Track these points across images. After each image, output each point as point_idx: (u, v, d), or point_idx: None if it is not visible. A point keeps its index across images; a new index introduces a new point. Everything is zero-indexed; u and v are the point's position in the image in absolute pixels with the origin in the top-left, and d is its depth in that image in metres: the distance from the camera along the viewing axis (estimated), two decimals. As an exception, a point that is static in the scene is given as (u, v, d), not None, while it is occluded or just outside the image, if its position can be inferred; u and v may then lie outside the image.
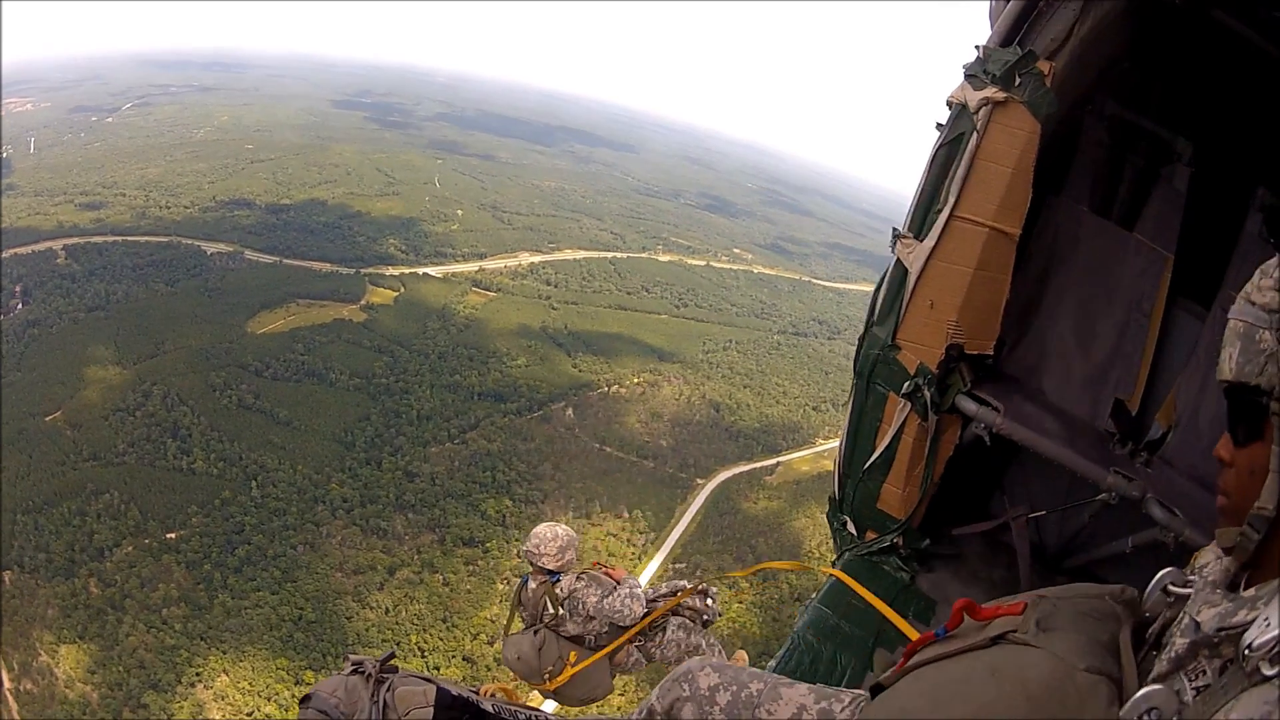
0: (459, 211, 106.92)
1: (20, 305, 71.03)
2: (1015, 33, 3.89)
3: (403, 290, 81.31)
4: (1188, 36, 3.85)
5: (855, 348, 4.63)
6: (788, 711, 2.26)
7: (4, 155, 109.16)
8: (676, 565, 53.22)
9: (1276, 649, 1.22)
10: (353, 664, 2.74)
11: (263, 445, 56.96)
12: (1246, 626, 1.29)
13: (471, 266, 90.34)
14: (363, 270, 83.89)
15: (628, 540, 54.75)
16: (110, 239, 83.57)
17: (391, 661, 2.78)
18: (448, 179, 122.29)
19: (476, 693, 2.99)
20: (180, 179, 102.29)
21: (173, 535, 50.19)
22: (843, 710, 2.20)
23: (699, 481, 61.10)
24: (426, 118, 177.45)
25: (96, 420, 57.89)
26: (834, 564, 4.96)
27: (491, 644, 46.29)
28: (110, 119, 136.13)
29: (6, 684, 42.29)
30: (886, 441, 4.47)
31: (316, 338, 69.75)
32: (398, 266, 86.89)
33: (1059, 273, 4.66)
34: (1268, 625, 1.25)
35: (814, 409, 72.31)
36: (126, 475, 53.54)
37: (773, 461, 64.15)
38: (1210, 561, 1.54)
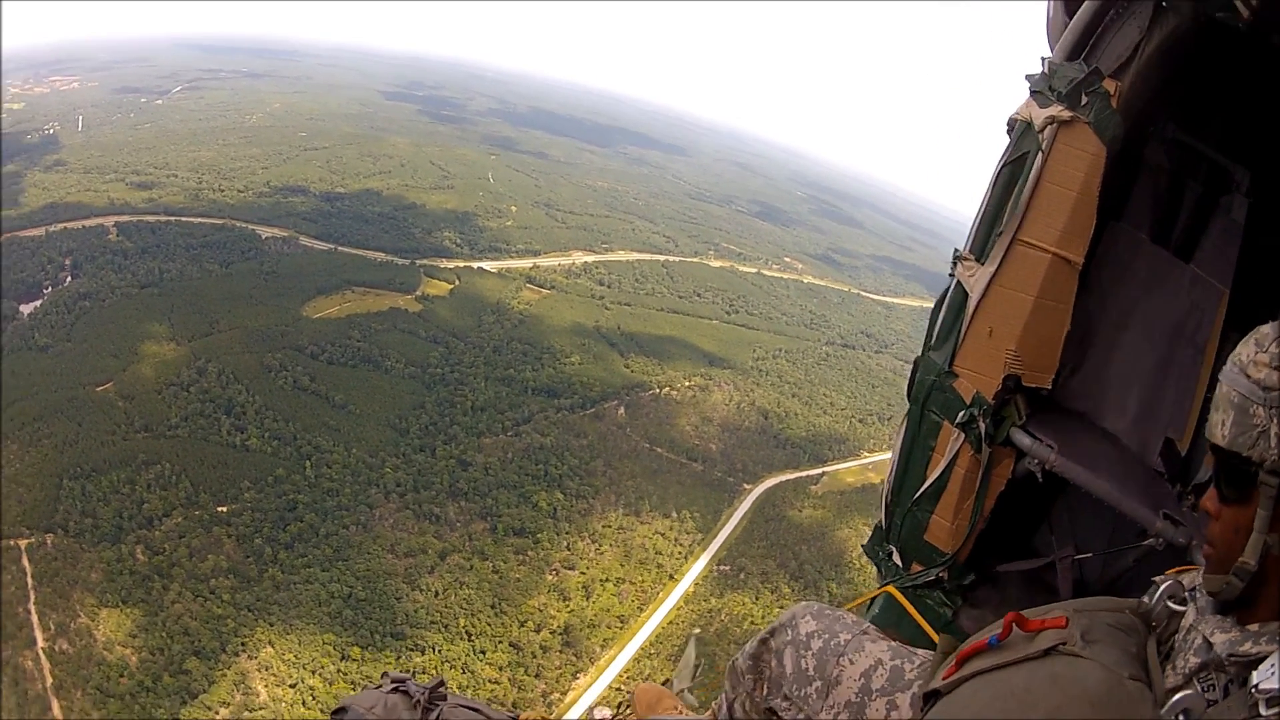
0: (513, 208, 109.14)
1: (70, 279, 73.43)
2: (1081, 48, 3.89)
3: (458, 283, 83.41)
4: (1248, 62, 3.71)
5: (910, 371, 4.63)
6: (865, 663, 2.58)
7: (51, 131, 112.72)
8: (721, 567, 54.83)
9: (1278, 696, 1.44)
10: (393, 682, 2.81)
11: (318, 426, 58.59)
12: (1254, 661, 1.53)
13: (526, 263, 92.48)
14: (418, 261, 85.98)
15: (675, 540, 56.21)
16: (163, 218, 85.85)
17: (440, 689, 2.80)
18: (501, 175, 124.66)
19: (515, 717, 3.01)
20: (234, 163, 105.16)
21: (224, 509, 51.55)
22: (912, 670, 2.52)
23: (746, 486, 62.49)
24: (479, 113, 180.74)
25: (149, 393, 59.48)
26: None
27: (538, 631, 47.86)
28: (160, 101, 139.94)
29: (40, 643, 43.27)
30: (938, 472, 4.42)
31: (372, 325, 71.65)
32: (453, 260, 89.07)
33: (1116, 304, 4.54)
34: (1273, 674, 1.46)
35: (860, 421, 73.45)
36: (179, 448, 54.91)
37: (818, 471, 65.45)
38: (1200, 584, 1.77)
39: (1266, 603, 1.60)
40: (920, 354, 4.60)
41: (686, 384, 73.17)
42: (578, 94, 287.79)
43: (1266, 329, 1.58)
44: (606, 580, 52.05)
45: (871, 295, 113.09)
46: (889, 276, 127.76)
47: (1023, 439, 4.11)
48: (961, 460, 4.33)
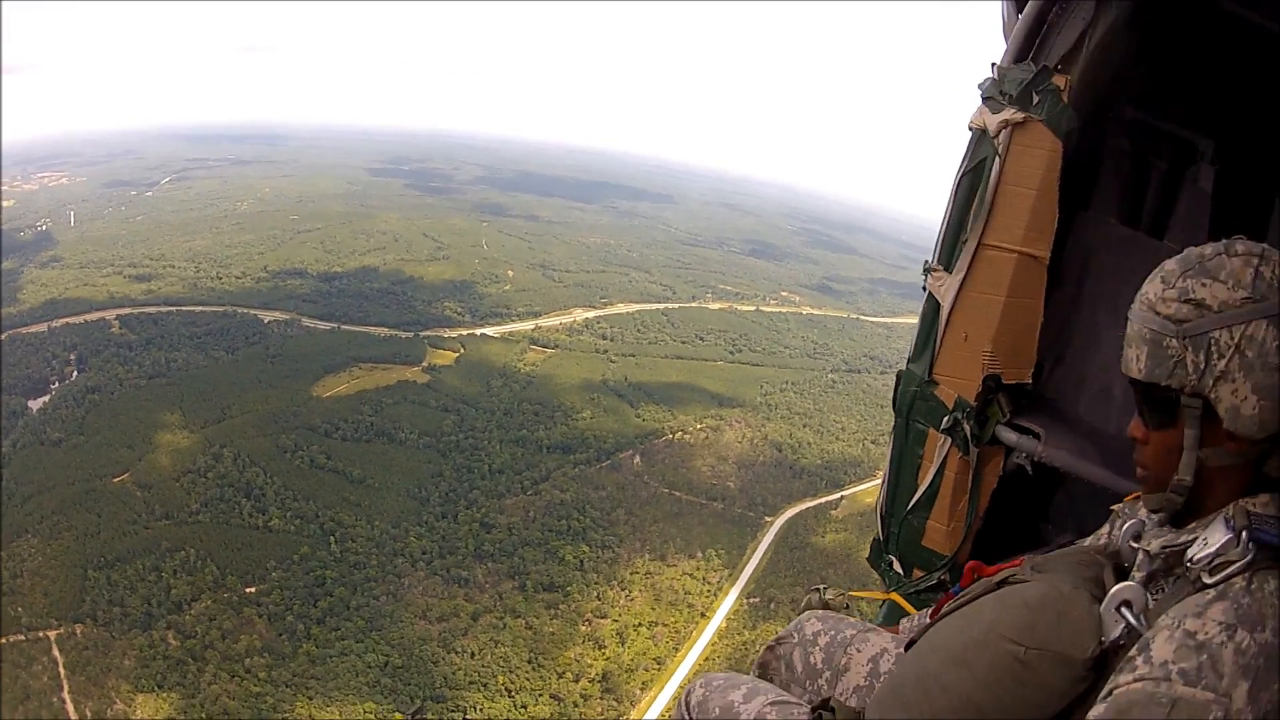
0: (510, 272, 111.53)
1: (76, 373, 74.97)
2: (1028, 48, 3.96)
3: (463, 351, 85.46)
4: (1201, 30, 3.77)
5: (894, 385, 4.69)
6: (873, 650, 2.72)
7: (43, 228, 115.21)
8: (751, 600, 56.02)
9: (1215, 561, 1.69)
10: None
11: (338, 503, 59.90)
12: (1189, 545, 1.79)
13: (528, 325, 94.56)
14: (421, 333, 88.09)
15: (703, 579, 57.49)
16: (164, 309, 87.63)
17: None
18: (495, 241, 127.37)
19: None
20: (229, 250, 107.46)
21: (252, 589, 52.58)
22: None
23: (767, 519, 63.86)
24: (466, 182, 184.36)
25: (167, 482, 60.64)
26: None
27: (577, 681, 48.95)
28: (150, 193, 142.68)
29: None
30: (929, 479, 4.49)
31: (383, 399, 73.31)
32: (455, 328, 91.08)
33: (1092, 290, 4.57)
34: (1205, 543, 1.74)
35: (872, 442, 74.64)
36: (201, 533, 55.97)
37: (837, 495, 66.77)
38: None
39: (1203, 511, 1.83)
40: (903, 368, 4.68)
41: (698, 426, 74.65)
42: (561, 153, 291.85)
43: (1170, 265, 1.81)
44: (639, 625, 53.17)
45: (871, 318, 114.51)
46: (886, 297, 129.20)
47: (1008, 435, 4.19)
48: (951, 464, 4.42)
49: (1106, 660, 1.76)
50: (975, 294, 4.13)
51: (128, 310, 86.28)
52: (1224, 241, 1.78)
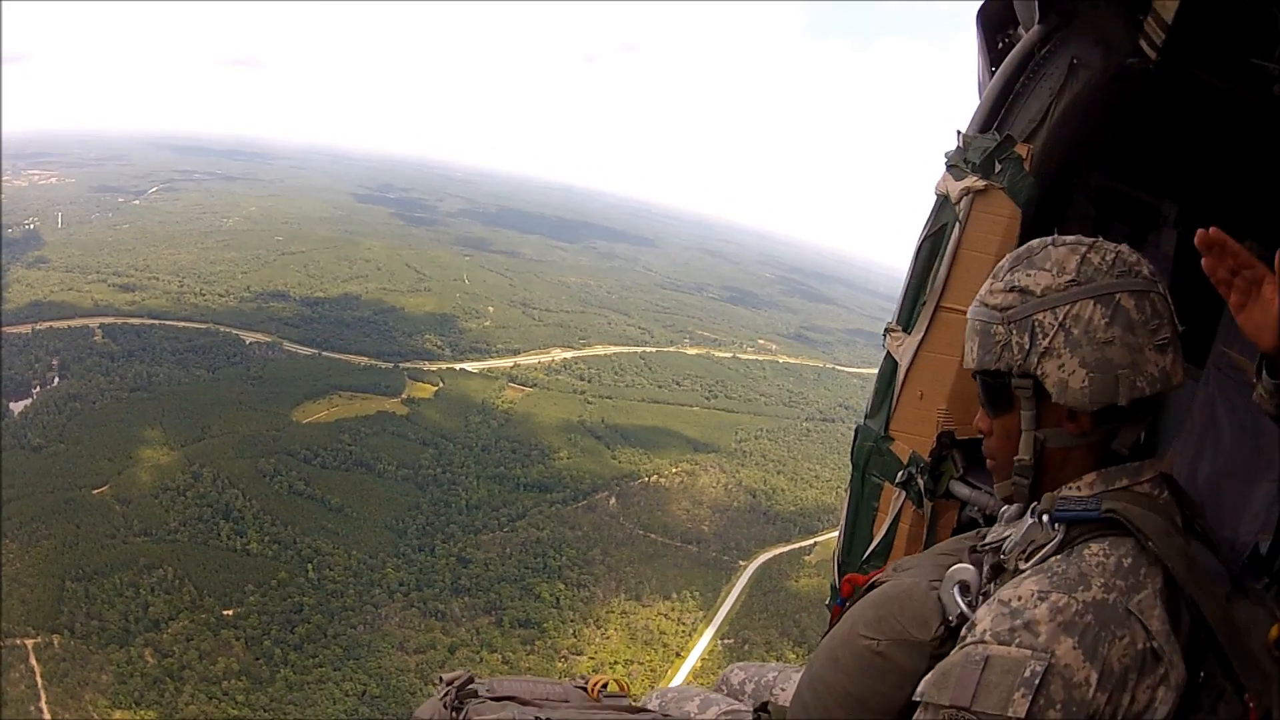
0: (490, 308, 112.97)
1: (58, 379, 75.65)
2: (993, 117, 4.03)
3: (442, 385, 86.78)
4: (1167, 97, 3.76)
5: (852, 439, 4.84)
6: (794, 687, 2.62)
7: (31, 227, 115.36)
8: (725, 641, 57.52)
9: (1027, 549, 1.85)
10: (445, 684, 2.90)
11: (316, 530, 60.92)
12: (1005, 539, 1.97)
13: (507, 362, 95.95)
14: (401, 364, 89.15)
15: (678, 619, 59.01)
16: (147, 321, 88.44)
17: (469, 686, 2.87)
18: (476, 275, 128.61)
19: (585, 687, 3.08)
20: (214, 267, 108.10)
21: (229, 612, 53.20)
22: None
23: (741, 563, 65.47)
24: (450, 214, 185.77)
25: (146, 498, 61.19)
26: None
27: None
28: (137, 201, 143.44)
29: None
30: (883, 531, 4.56)
31: (362, 429, 74.40)
32: (435, 362, 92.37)
33: None
34: (1009, 537, 1.94)
35: (846, 490, 75.73)
36: (180, 552, 56.59)
37: (810, 541, 68.04)
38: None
39: (1048, 491, 1.95)
40: (860, 423, 4.85)
41: (674, 470, 76.29)
42: (543, 190, 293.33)
43: (1003, 262, 1.97)
44: (615, 662, 54.02)
45: (847, 369, 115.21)
46: (863, 348, 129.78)
47: (962, 489, 4.17)
48: (905, 516, 4.47)
49: (956, 638, 1.85)
50: (932, 354, 4.26)
51: (111, 319, 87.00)
52: (1054, 236, 1.96)
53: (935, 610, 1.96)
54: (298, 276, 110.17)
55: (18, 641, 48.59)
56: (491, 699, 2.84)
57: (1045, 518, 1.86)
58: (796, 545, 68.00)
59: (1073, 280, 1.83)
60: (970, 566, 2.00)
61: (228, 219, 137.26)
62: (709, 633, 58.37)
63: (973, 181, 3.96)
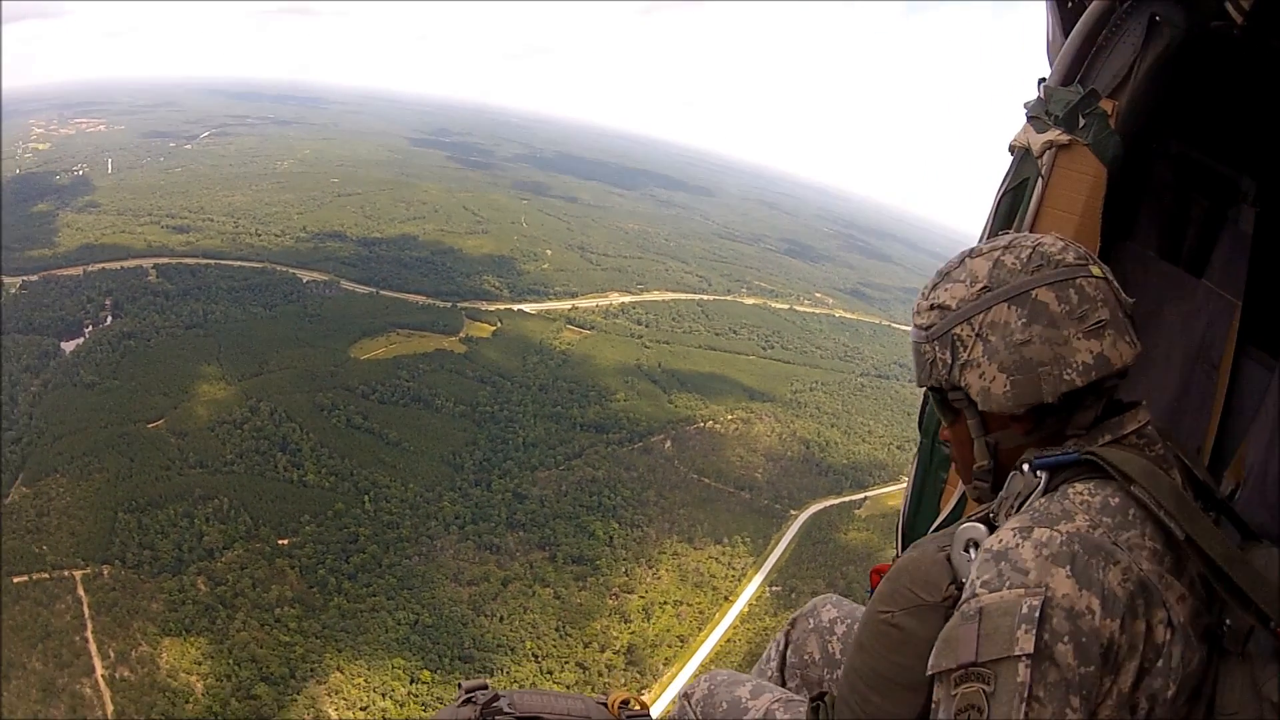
0: (548, 251, 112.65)
1: (110, 318, 76.09)
2: (1076, 70, 3.90)
3: (500, 325, 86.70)
4: (1251, 67, 3.60)
5: (921, 403, 4.51)
6: None
7: (80, 173, 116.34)
8: (773, 588, 57.27)
9: (1015, 502, 1.89)
10: (465, 693, 2.90)
11: (374, 463, 61.10)
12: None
13: (565, 304, 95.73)
14: (459, 304, 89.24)
15: (728, 564, 58.72)
16: (202, 261, 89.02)
17: (495, 704, 2.89)
18: (534, 219, 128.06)
19: (605, 703, 3.08)
20: (268, 208, 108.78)
21: (285, 541, 53.56)
22: None
23: (793, 512, 64.98)
24: (507, 159, 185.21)
25: (202, 431, 61.75)
26: None
27: (602, 651, 50.46)
28: (189, 146, 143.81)
29: (100, 670, 44.37)
30: (951, 505, 4.34)
31: (420, 366, 74.59)
32: (493, 302, 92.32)
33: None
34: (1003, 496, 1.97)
35: (898, 448, 75.54)
36: (235, 484, 56.99)
37: (861, 495, 67.74)
38: None
39: None
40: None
41: (730, 417, 75.81)
42: (600, 137, 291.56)
43: (930, 279, 2.03)
44: (665, 603, 54.48)
45: (902, 326, 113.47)
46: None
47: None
48: None
49: None
50: None
51: (165, 260, 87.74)
52: (976, 245, 2.03)
53: (944, 571, 1.95)
54: (354, 217, 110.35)
55: (66, 573, 49.26)
56: (517, 718, 2.88)
57: (1026, 467, 1.90)
58: (848, 498, 67.47)
59: (984, 287, 1.88)
60: (980, 525, 1.95)
61: (282, 162, 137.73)
62: (758, 579, 58.16)
63: (1056, 135, 3.80)
